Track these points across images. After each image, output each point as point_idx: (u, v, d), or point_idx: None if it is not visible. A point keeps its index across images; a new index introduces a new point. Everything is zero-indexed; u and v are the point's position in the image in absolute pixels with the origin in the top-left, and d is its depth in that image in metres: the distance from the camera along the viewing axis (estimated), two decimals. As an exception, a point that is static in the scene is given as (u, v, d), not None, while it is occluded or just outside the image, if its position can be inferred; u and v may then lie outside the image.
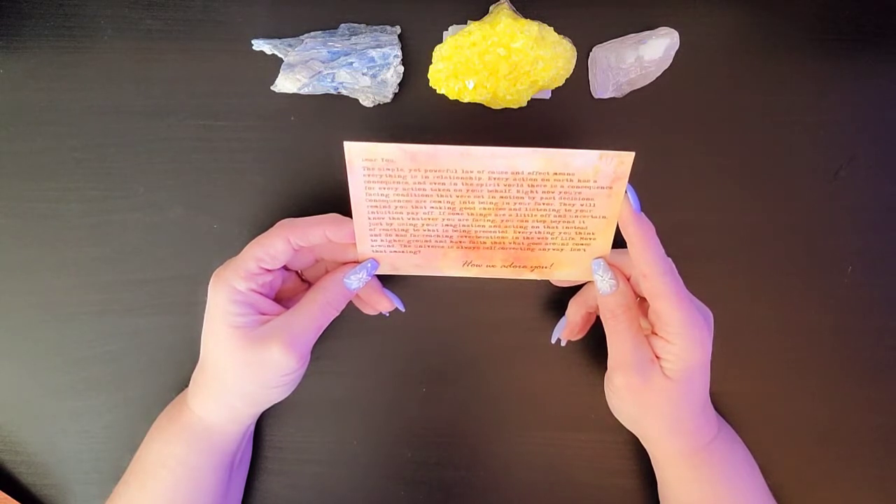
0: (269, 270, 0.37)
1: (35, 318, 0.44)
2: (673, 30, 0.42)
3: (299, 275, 0.42)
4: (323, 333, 0.38)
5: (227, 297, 0.36)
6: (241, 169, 0.43)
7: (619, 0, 0.42)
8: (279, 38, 0.42)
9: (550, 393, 0.45)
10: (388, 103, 0.42)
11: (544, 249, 0.38)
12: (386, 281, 0.42)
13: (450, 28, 0.42)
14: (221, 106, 0.43)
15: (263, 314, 0.37)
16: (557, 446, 0.45)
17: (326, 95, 0.42)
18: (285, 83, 0.41)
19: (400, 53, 0.41)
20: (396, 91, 0.42)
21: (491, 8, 0.41)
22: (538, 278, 0.39)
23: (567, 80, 0.41)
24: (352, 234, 0.37)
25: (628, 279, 0.38)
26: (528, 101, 0.41)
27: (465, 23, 0.41)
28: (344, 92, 0.42)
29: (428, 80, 0.40)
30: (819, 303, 0.44)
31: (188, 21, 0.43)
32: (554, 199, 0.36)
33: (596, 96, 0.43)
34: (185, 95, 0.43)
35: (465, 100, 0.40)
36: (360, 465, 0.45)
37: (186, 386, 0.40)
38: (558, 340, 0.42)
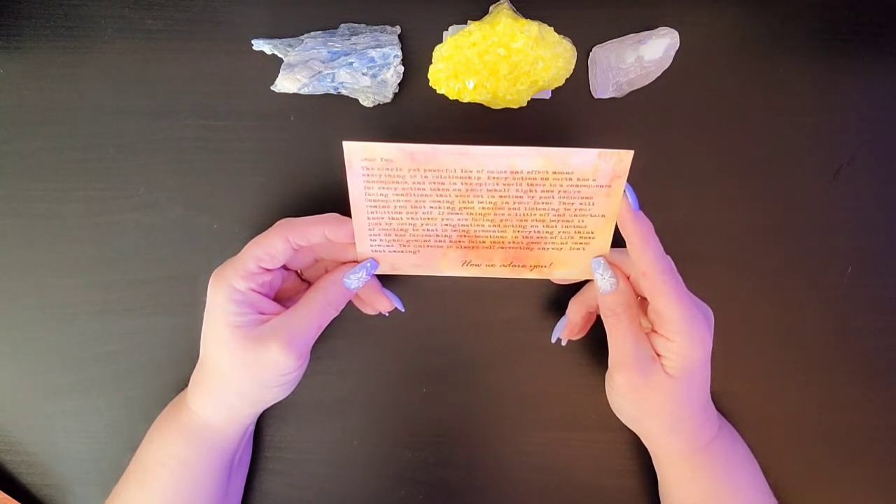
0: (268, 270, 0.37)
1: (35, 318, 0.44)
2: (673, 30, 0.42)
3: (299, 274, 0.42)
4: (323, 333, 0.38)
5: (226, 296, 0.36)
6: (241, 169, 0.43)
7: (619, 0, 0.42)
8: (279, 38, 0.42)
9: (550, 393, 0.45)
10: (388, 103, 0.42)
11: (544, 248, 0.38)
12: (386, 281, 0.42)
13: (450, 28, 0.42)
14: (221, 106, 0.43)
15: (263, 314, 0.37)
16: (557, 446, 0.45)
17: (326, 95, 0.42)
18: (285, 83, 0.41)
19: (400, 53, 0.41)
20: (396, 91, 0.42)
21: (491, 8, 0.41)
22: (538, 277, 0.39)
23: (567, 80, 0.41)
24: (351, 233, 0.37)
25: (628, 278, 0.38)
26: (528, 101, 0.41)
27: (465, 23, 0.41)
28: (344, 92, 0.42)
29: (428, 80, 0.40)
30: (819, 303, 0.44)
31: (188, 21, 0.43)
32: (553, 197, 0.36)
33: (596, 96, 0.43)
34: (185, 95, 0.43)
35: (465, 100, 0.40)
36: (360, 465, 0.45)
37: (186, 386, 0.40)
38: (558, 340, 0.42)
